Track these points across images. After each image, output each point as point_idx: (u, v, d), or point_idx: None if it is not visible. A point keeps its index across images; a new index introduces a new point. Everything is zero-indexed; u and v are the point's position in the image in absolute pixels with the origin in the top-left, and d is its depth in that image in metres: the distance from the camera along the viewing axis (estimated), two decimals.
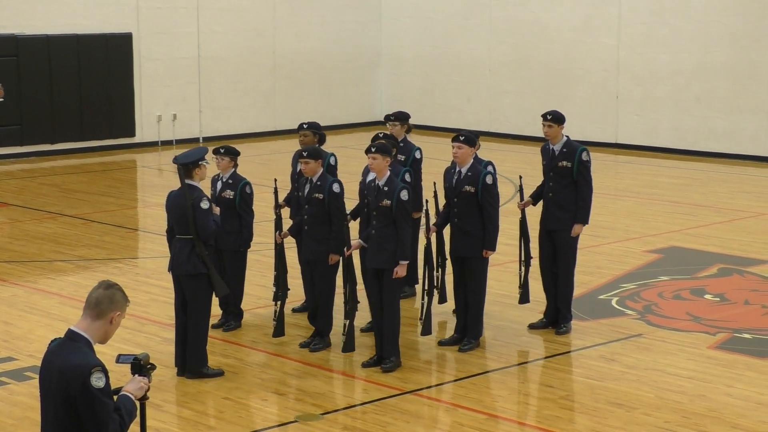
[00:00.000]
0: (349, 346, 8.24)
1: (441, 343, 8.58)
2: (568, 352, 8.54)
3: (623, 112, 19.72)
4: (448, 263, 8.68)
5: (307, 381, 7.84)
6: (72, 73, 18.91)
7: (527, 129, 20.42)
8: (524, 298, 9.09)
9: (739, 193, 15.54)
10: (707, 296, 10.09)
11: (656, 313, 9.51)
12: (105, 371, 4.23)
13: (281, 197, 9.22)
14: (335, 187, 8.29)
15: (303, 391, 7.65)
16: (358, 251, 8.21)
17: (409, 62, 22.50)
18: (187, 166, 7.76)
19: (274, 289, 8.72)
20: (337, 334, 8.50)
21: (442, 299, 8.88)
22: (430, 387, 7.79)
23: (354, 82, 22.65)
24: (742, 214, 13.93)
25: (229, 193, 8.77)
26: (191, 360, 7.80)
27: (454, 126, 20.59)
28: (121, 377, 5.11)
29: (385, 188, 7.92)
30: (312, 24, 21.83)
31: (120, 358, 4.46)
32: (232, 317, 8.98)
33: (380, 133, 9.21)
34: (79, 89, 19.02)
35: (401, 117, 9.74)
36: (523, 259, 8.98)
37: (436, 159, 14.06)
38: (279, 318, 8.55)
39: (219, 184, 8.87)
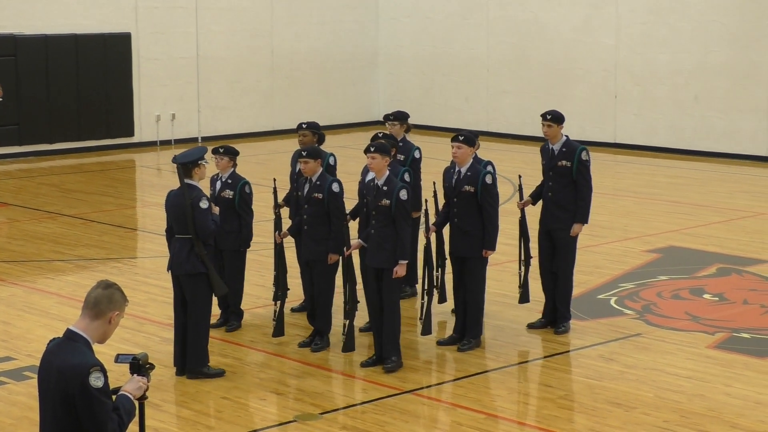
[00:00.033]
0: (349, 345, 8.24)
1: (440, 343, 8.58)
2: (567, 351, 8.54)
3: (622, 112, 19.72)
4: (448, 263, 8.68)
5: (306, 381, 7.83)
6: (70, 72, 18.90)
7: (526, 129, 20.42)
8: (524, 297, 9.09)
9: (737, 193, 15.55)
10: (706, 296, 10.09)
11: (655, 313, 9.51)
12: (104, 371, 4.23)
13: (280, 197, 9.22)
14: (335, 187, 8.28)
15: (302, 390, 7.65)
16: (357, 251, 8.21)
17: (408, 62, 22.50)
18: (187, 166, 7.76)
19: (273, 289, 8.72)
20: (336, 334, 8.49)
21: (442, 299, 8.88)
22: (429, 387, 7.78)
23: (353, 81, 22.65)
24: (740, 214, 13.94)
25: (228, 193, 8.77)
26: (191, 360, 7.80)
27: (453, 126, 20.59)
28: (120, 377, 5.11)
29: (384, 188, 7.92)
30: (311, 24, 21.83)
31: (119, 358, 4.46)
32: (233, 317, 8.98)
33: (379, 132, 9.21)
34: (78, 89, 19.01)
35: (400, 116, 9.73)
36: (523, 258, 8.97)
37: (435, 159, 14.07)
38: (279, 318, 8.55)
39: (218, 184, 8.86)
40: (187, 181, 7.72)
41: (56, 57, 18.71)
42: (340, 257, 8.30)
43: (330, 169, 8.99)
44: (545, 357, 8.45)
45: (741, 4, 18.26)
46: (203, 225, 7.67)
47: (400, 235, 7.86)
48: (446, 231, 8.60)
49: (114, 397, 4.32)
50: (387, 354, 7.94)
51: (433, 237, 8.53)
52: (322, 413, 7.19)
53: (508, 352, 8.47)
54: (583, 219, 8.84)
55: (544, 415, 7.25)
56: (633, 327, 9.11)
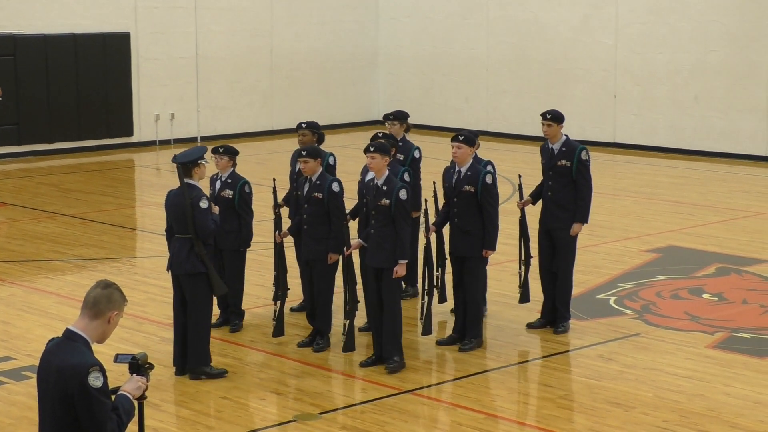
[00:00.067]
0: (349, 345, 8.23)
1: (439, 343, 8.58)
2: (567, 351, 8.54)
3: (621, 112, 19.73)
4: (448, 263, 8.67)
5: (305, 380, 7.83)
6: (70, 72, 18.90)
7: (525, 128, 20.43)
8: (524, 297, 9.08)
9: (737, 193, 15.55)
10: (705, 295, 10.09)
11: (654, 313, 9.51)
12: (103, 370, 4.23)
13: (280, 197, 9.22)
14: (335, 187, 8.28)
15: (301, 390, 7.64)
16: (357, 250, 8.21)
17: (408, 62, 22.50)
18: (187, 165, 7.75)
19: (273, 289, 8.72)
20: (336, 334, 8.49)
21: (442, 299, 8.87)
22: (428, 386, 7.78)
23: (352, 81, 22.65)
24: (740, 214, 13.94)
25: (228, 193, 8.76)
26: (193, 360, 7.79)
27: (453, 125, 20.59)
28: (120, 377, 5.11)
29: (384, 187, 7.92)
30: (310, 24, 21.83)
31: (118, 358, 4.45)
32: (235, 317, 8.96)
33: (379, 132, 9.21)
34: (77, 89, 19.01)
35: (400, 116, 9.73)
36: (523, 258, 8.97)
37: (435, 158, 14.07)
38: (279, 318, 8.54)
39: (218, 184, 8.86)
40: (187, 180, 7.72)
41: (56, 57, 18.70)
42: (340, 257, 8.30)
43: (330, 169, 8.99)
44: (544, 357, 8.45)
45: (741, 4, 18.26)
46: (203, 225, 7.66)
47: (399, 234, 7.86)
48: (446, 231, 8.60)
49: (113, 396, 4.32)
50: (389, 354, 7.93)
51: (433, 237, 8.53)
52: (321, 413, 7.19)
53: (508, 352, 8.47)
54: (583, 218, 8.84)
55: (543, 414, 7.25)
56: (632, 327, 9.11)
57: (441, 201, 8.65)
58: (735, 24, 18.29)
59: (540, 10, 20.45)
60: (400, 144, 9.49)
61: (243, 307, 9.07)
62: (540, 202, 9.00)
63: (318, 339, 8.43)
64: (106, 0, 19.33)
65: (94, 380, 4.18)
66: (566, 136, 8.95)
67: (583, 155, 8.79)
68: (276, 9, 21.34)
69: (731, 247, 11.99)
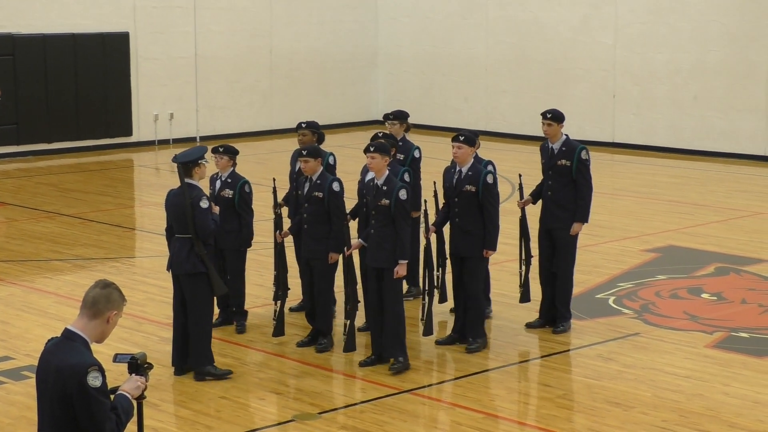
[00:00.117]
0: (349, 345, 8.22)
1: (438, 343, 8.57)
2: (566, 351, 8.54)
3: (621, 112, 19.73)
4: (448, 262, 8.66)
5: (305, 380, 7.83)
6: (69, 72, 18.89)
7: (525, 128, 20.43)
8: (525, 297, 9.08)
9: (736, 193, 15.55)
10: (704, 295, 10.09)
11: (653, 312, 9.51)
12: (102, 370, 4.23)
13: (280, 197, 9.22)
14: (335, 186, 8.28)
15: (301, 390, 7.64)
16: (357, 251, 8.20)
17: (407, 62, 22.50)
18: (187, 165, 7.74)
19: (273, 289, 8.71)
20: (337, 334, 8.49)
21: (443, 299, 8.86)
22: (428, 386, 7.78)
23: (352, 81, 22.65)
24: (739, 213, 13.94)
25: (228, 192, 8.76)
26: (195, 360, 7.77)
27: (452, 125, 20.60)
28: (119, 376, 5.10)
29: (384, 187, 7.91)
30: (310, 23, 21.83)
31: (117, 358, 4.45)
32: (239, 317, 8.94)
33: (379, 132, 9.20)
34: (76, 88, 19.00)
35: (400, 116, 9.72)
36: (523, 258, 8.97)
37: (434, 158, 14.06)
38: (279, 317, 8.54)
39: (218, 183, 8.86)
40: (187, 180, 7.71)
41: (55, 56, 18.70)
42: (341, 257, 8.29)
43: (330, 169, 8.98)
44: (544, 356, 8.45)
45: (740, 4, 18.26)
46: (203, 224, 7.66)
47: (399, 234, 7.86)
48: (446, 230, 8.60)
49: (112, 396, 4.31)
50: (393, 355, 7.92)
51: (433, 237, 8.52)
52: (320, 413, 7.19)
53: (507, 351, 8.47)
54: (583, 218, 8.84)
55: (542, 414, 7.25)
56: (631, 326, 9.11)
57: (441, 201, 8.64)
58: (734, 24, 18.29)
59: (539, 10, 20.45)
60: (400, 144, 9.48)
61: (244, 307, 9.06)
62: (540, 202, 9.00)
63: (321, 339, 8.41)
64: (105, 0, 19.33)
65: (93, 380, 4.18)
66: (566, 135, 8.95)
67: (583, 155, 8.79)
68: (275, 9, 21.33)
69: (730, 247, 11.99)
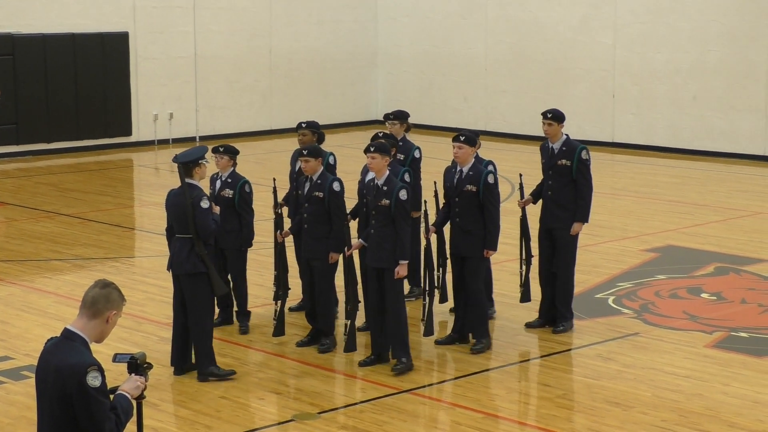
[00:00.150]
0: (350, 346, 8.22)
1: (438, 343, 8.57)
2: (565, 351, 8.54)
3: (620, 111, 19.73)
4: (449, 262, 8.65)
5: (304, 380, 7.83)
6: (68, 72, 18.89)
7: (524, 128, 20.43)
8: (525, 296, 9.08)
9: (735, 192, 15.56)
10: (704, 295, 10.09)
11: (653, 312, 9.51)
12: (101, 370, 4.23)
13: (280, 197, 9.21)
14: (335, 186, 8.28)
15: (300, 390, 7.64)
16: (357, 251, 8.20)
17: (407, 61, 22.50)
18: (187, 165, 7.74)
19: (273, 289, 8.71)
20: (337, 335, 8.48)
21: (443, 299, 8.85)
22: (427, 386, 7.78)
23: (351, 81, 22.64)
24: (738, 213, 13.94)
25: (228, 192, 8.76)
26: (197, 360, 7.75)
27: (452, 125, 20.60)
28: (118, 376, 5.10)
29: (384, 188, 7.91)
30: (309, 23, 21.82)
31: (117, 357, 4.45)
32: (243, 318, 8.92)
33: (380, 132, 9.20)
34: (76, 88, 19.00)
35: (400, 116, 9.72)
36: (524, 257, 8.96)
37: (434, 158, 14.06)
38: (279, 317, 8.53)
39: (218, 183, 8.86)
40: (187, 180, 7.71)
41: (54, 56, 18.69)
42: (341, 257, 8.29)
43: (330, 168, 8.98)
44: (543, 356, 8.45)
45: (740, 3, 18.26)
46: (204, 224, 7.65)
47: (399, 235, 7.85)
48: (447, 230, 8.59)
49: (112, 396, 4.31)
50: (396, 356, 7.93)
51: (433, 237, 8.52)
52: (320, 413, 7.19)
53: (507, 351, 8.47)
54: (583, 218, 8.84)
55: (542, 414, 7.25)
56: (631, 326, 9.11)
57: (441, 201, 8.63)
58: (734, 24, 18.29)
59: (539, 10, 20.45)
60: (401, 144, 9.48)
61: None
62: (540, 202, 9.00)
63: (323, 339, 8.41)
64: (104, 0, 19.32)
65: (93, 380, 4.18)
66: (567, 135, 8.95)
67: (584, 155, 8.79)
68: (275, 8, 21.33)
69: (730, 247, 11.99)
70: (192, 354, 7.91)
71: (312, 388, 7.65)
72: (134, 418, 4.46)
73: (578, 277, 9.50)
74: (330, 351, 8.33)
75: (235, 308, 8.98)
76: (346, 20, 22.35)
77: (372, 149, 7.95)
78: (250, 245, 8.91)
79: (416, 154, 9.55)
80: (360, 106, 22.77)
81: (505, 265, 10.37)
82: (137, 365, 4.41)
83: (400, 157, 9.27)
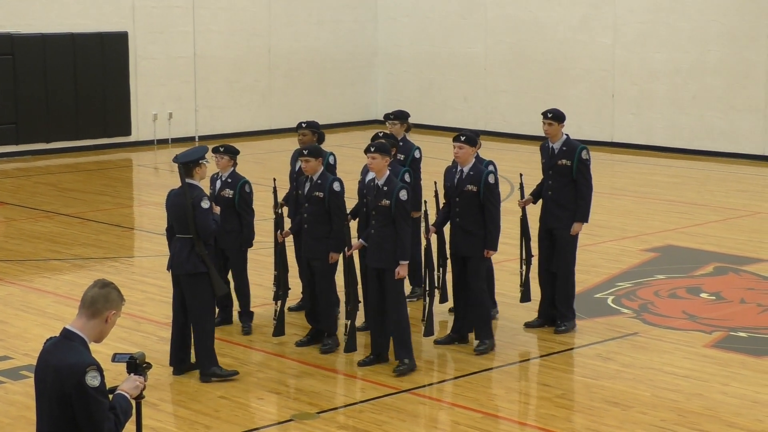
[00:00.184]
0: (350, 346, 8.22)
1: (437, 342, 8.57)
2: (565, 351, 8.54)
3: (619, 111, 19.73)
4: (449, 262, 8.65)
5: (303, 380, 7.83)
6: (68, 71, 18.88)
7: (524, 128, 20.43)
8: (525, 296, 9.07)
9: (735, 192, 15.56)
10: (703, 295, 10.09)
11: (652, 312, 9.51)
12: (100, 370, 4.23)
13: (280, 197, 9.21)
14: (336, 186, 8.27)
15: (300, 390, 7.64)
16: (357, 251, 8.20)
17: (406, 61, 22.50)
18: (188, 165, 7.74)
19: (273, 289, 8.71)
20: (338, 334, 8.48)
21: (443, 299, 8.85)
22: (427, 386, 7.78)
23: (351, 81, 22.64)
24: (738, 213, 13.95)
25: (228, 192, 8.75)
26: (199, 361, 7.74)
27: (451, 125, 20.60)
28: (117, 376, 5.10)
29: (385, 188, 7.91)
30: (309, 23, 21.82)
31: (116, 357, 4.45)
32: (245, 318, 8.91)
33: (380, 132, 9.20)
34: (75, 88, 19.00)
35: (401, 116, 9.72)
36: (524, 257, 8.96)
37: (434, 158, 14.07)
38: (279, 317, 8.53)
39: (218, 183, 8.85)
40: (188, 180, 7.70)
41: (53, 56, 18.69)
42: (341, 257, 8.29)
43: (330, 168, 8.97)
44: (542, 356, 8.45)
45: (739, 3, 18.26)
46: (204, 225, 7.65)
47: (399, 235, 7.85)
48: (446, 230, 8.59)
49: (111, 396, 4.31)
50: (398, 357, 7.92)
51: (433, 237, 8.51)
52: (319, 412, 7.19)
53: (506, 351, 8.47)
54: (584, 218, 8.84)
55: (541, 414, 7.25)
56: (630, 326, 9.11)
57: (441, 201, 8.63)
58: (733, 23, 18.30)
59: (538, 10, 20.45)
60: (401, 144, 9.47)
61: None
62: (540, 202, 9.00)
63: (326, 340, 8.40)
64: (104, 0, 19.32)
65: (92, 379, 4.18)
66: (567, 135, 8.95)
67: (584, 154, 8.79)
68: (274, 8, 21.33)
69: (729, 247, 11.99)
70: (192, 354, 7.91)
71: (311, 388, 7.65)
72: (133, 418, 4.46)
73: (578, 277, 9.49)
74: (332, 351, 8.33)
75: (237, 308, 8.98)
76: (345, 20, 22.35)
77: (372, 149, 7.94)
78: (251, 245, 8.91)
79: (416, 154, 9.55)
80: (360, 106, 22.77)
81: (505, 265, 10.37)
82: (136, 365, 4.41)
83: (401, 157, 9.27)
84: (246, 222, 8.78)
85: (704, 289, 10.25)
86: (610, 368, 8.07)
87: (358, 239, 8.32)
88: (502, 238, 8.59)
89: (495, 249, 8.39)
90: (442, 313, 9.18)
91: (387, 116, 9.83)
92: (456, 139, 8.40)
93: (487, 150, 16.10)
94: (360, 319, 8.70)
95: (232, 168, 8.86)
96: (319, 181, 8.30)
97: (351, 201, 8.71)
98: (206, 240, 7.70)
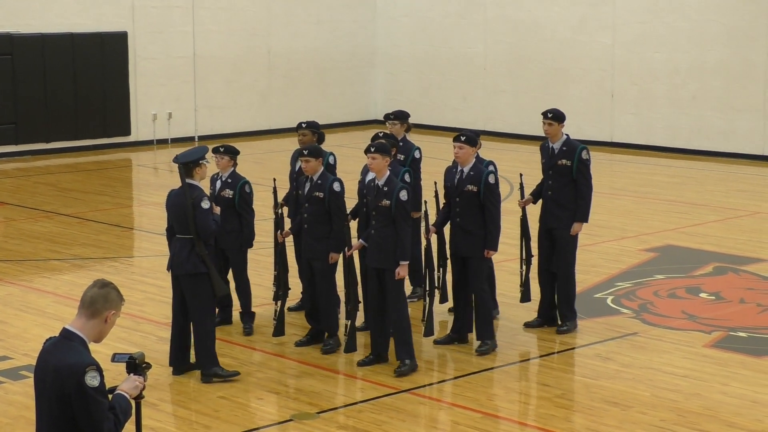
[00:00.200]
0: (350, 346, 8.22)
1: (437, 342, 8.57)
2: (564, 351, 8.54)
3: (619, 111, 19.74)
4: (449, 262, 8.65)
5: (303, 380, 7.83)
6: (67, 72, 18.88)
7: (523, 128, 20.43)
8: (525, 296, 9.07)
9: (734, 192, 15.56)
10: (702, 295, 10.10)
11: (652, 312, 9.51)
12: (100, 370, 4.23)
13: (280, 197, 9.21)
14: (336, 186, 8.27)
15: (299, 390, 7.64)
16: (357, 251, 8.20)
17: (406, 61, 22.50)
18: (188, 165, 7.73)
19: (273, 289, 8.71)
20: (338, 335, 8.48)
21: (443, 299, 8.84)
22: (426, 386, 7.78)
23: (350, 81, 22.64)
24: (737, 213, 13.95)
25: (228, 192, 8.75)
26: (200, 361, 7.74)
27: (450, 125, 20.60)
28: (117, 376, 5.10)
29: (385, 188, 7.90)
30: (308, 23, 21.82)
31: (115, 357, 4.45)
32: (246, 318, 8.90)
33: (380, 132, 9.19)
34: (75, 88, 19.00)
35: (401, 116, 9.71)
36: (524, 257, 8.96)
37: (433, 158, 14.07)
38: (279, 317, 8.53)
39: (218, 183, 8.85)
40: (188, 180, 7.70)
41: (53, 56, 18.69)
42: (341, 257, 8.29)
43: (330, 168, 8.97)
44: (542, 356, 8.45)
45: (739, 3, 18.27)
46: (204, 225, 7.65)
47: (400, 236, 7.85)
48: (446, 230, 8.59)
49: (110, 396, 4.31)
50: (399, 357, 7.92)
51: (433, 237, 8.51)
52: (319, 412, 7.19)
53: (506, 351, 8.47)
54: (583, 218, 8.84)
55: (541, 414, 7.25)
56: (630, 326, 9.11)
57: (441, 201, 8.63)
58: (733, 23, 18.30)
59: (538, 10, 20.46)
60: (401, 144, 9.47)
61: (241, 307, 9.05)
62: (540, 202, 9.00)
63: (327, 340, 8.40)
64: (103, 0, 19.32)
65: (91, 380, 4.18)
66: (567, 135, 8.95)
67: (584, 154, 8.79)
68: (273, 8, 21.33)
69: (729, 246, 12.00)
70: (191, 354, 7.91)
71: (311, 388, 7.65)
72: (133, 418, 4.46)
73: (577, 277, 9.50)
74: (334, 351, 8.32)
75: (238, 309, 8.97)
76: (345, 20, 22.35)
77: (372, 149, 7.94)
78: (251, 245, 8.91)
79: (416, 154, 9.55)
80: (359, 106, 22.77)
81: (505, 265, 10.37)
82: (136, 365, 4.41)
83: (401, 157, 9.26)
84: (246, 222, 8.78)
85: (704, 289, 10.25)
86: (610, 368, 8.07)
87: (358, 239, 8.32)
88: (502, 238, 8.59)
89: (495, 249, 8.39)
90: (442, 313, 9.18)
91: (387, 116, 9.82)
92: (456, 139, 8.40)
93: (487, 150, 16.10)
94: (360, 319, 8.70)
95: (232, 168, 8.86)
96: (319, 182, 8.30)
97: (351, 201, 8.71)
98: (206, 240, 7.70)
